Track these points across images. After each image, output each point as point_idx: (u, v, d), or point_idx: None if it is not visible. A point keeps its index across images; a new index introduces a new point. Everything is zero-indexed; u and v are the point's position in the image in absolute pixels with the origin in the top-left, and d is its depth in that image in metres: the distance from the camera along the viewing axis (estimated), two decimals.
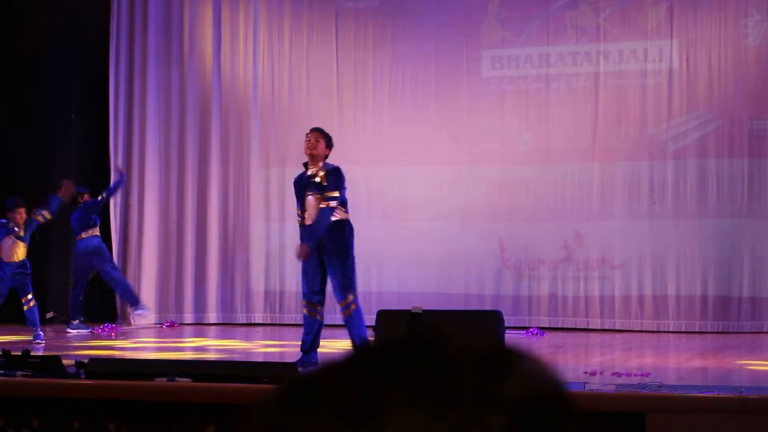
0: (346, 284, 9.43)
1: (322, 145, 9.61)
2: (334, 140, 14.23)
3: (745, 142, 13.26)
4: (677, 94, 13.57)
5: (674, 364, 9.95)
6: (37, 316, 12.12)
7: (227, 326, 14.21)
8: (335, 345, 10.06)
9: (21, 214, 12.30)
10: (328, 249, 9.39)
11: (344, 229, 9.49)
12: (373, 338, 0.90)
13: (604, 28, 13.82)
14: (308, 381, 0.84)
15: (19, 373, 6.80)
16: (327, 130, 14.36)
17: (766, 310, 13.05)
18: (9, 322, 13.21)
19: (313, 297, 9.45)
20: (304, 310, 9.56)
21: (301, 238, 9.55)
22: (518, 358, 0.84)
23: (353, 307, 9.41)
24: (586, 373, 8.32)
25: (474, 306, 13.37)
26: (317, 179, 9.45)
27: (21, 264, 12.27)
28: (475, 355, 0.84)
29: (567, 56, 13.98)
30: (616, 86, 13.76)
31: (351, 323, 9.37)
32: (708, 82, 13.46)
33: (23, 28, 14.66)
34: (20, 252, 12.26)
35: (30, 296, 12.22)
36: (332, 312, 10.79)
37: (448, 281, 13.95)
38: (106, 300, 14.56)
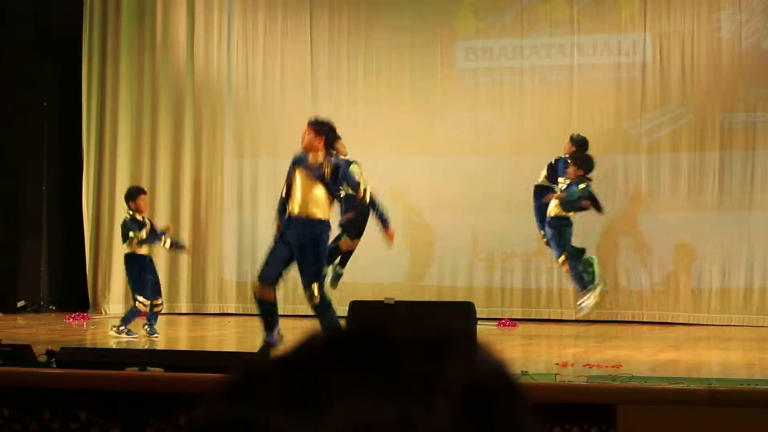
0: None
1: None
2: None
3: (717, 135, 13.33)
4: (650, 88, 13.62)
5: (645, 355, 9.99)
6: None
7: (199, 316, 14.18)
8: None
9: (145, 202, 11.61)
10: None
11: None
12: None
13: (578, 21, 13.85)
14: (254, 372, 0.84)
15: None
16: (301, 120, 14.35)
17: (735, 302, 13.13)
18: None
19: None
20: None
21: None
22: (463, 344, 0.85)
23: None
24: (557, 364, 8.34)
25: (447, 297, 13.38)
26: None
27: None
28: (420, 341, 0.84)
29: (541, 48, 14.01)
30: (590, 79, 13.80)
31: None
32: (681, 76, 13.52)
33: None
34: None
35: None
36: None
37: (421, 272, 13.97)
38: (77, 289, 14.50)
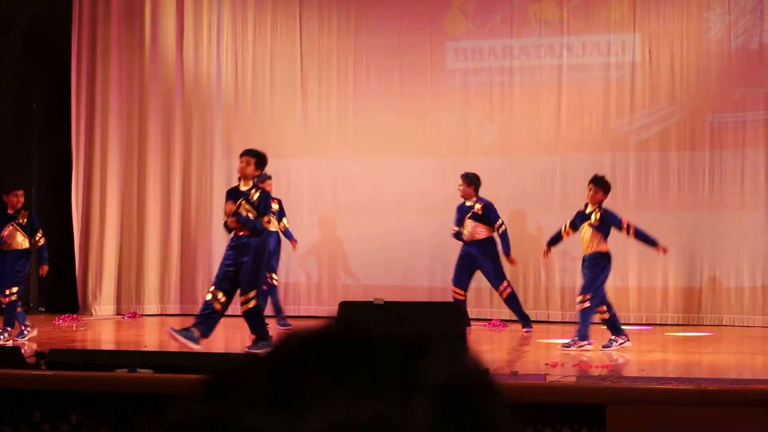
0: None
1: (252, 167, 10.27)
2: (299, 132, 14.33)
3: (707, 134, 13.35)
4: (640, 87, 13.64)
5: (635, 356, 10.01)
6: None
7: (189, 317, 14.13)
8: None
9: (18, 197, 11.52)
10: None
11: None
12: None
13: (567, 21, 13.86)
14: (232, 372, 0.85)
15: None
16: (291, 121, 14.45)
17: (725, 303, 13.14)
18: None
19: None
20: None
21: None
22: (441, 343, 0.85)
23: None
24: (547, 364, 8.35)
25: (438, 299, 13.37)
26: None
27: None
28: (397, 340, 0.85)
29: (530, 49, 14.02)
30: (579, 79, 13.82)
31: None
32: (670, 76, 13.54)
33: None
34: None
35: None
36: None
37: (413, 273, 13.96)
38: (67, 290, 14.47)
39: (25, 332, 11.19)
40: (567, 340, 10.45)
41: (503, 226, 12.43)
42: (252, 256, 9.97)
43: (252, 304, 10.00)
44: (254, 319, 10.04)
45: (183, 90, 14.79)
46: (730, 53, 13.35)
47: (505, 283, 12.40)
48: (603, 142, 13.65)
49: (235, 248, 10.08)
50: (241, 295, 10.07)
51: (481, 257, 12.38)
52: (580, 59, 13.86)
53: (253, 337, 10.05)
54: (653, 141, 13.55)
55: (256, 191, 10.14)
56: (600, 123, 13.73)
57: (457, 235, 12.52)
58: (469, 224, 12.40)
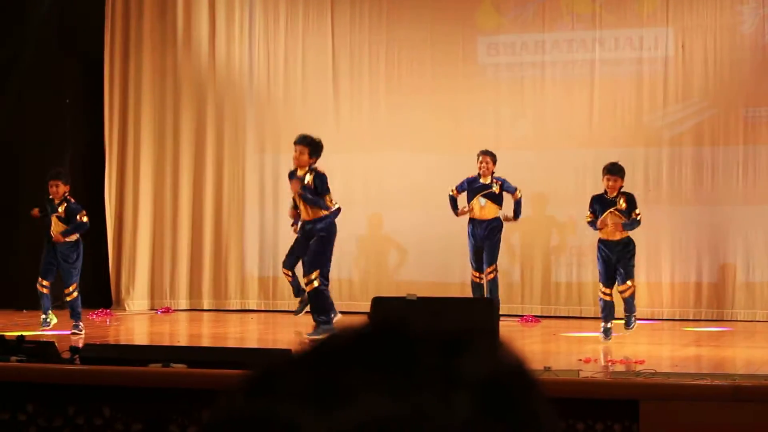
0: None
1: (305, 156, 10.26)
2: (331, 126, 14.34)
3: (741, 129, 13.28)
4: (673, 82, 13.58)
5: (668, 351, 9.96)
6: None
7: (221, 312, 14.21)
8: None
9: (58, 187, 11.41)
10: None
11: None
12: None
13: (600, 15, 13.81)
14: (274, 368, 0.86)
15: (13, 358, 6.81)
16: (323, 115, 14.46)
17: (759, 298, 13.07)
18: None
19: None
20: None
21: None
22: (481, 339, 0.86)
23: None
24: (580, 360, 8.33)
25: (470, 294, 13.34)
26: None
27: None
28: (437, 336, 0.85)
29: (563, 43, 13.98)
30: (612, 73, 13.76)
31: None
32: (704, 70, 13.47)
33: (18, 12, 14.60)
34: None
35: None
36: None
37: (445, 269, 13.93)
38: (100, 285, 14.54)
39: (48, 321, 11.32)
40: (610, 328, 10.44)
41: (520, 193, 12.52)
42: (317, 239, 10.08)
43: (315, 284, 10.06)
44: (315, 302, 10.07)
45: (215, 84, 14.82)
46: (765, 47, 13.27)
47: (493, 267, 12.43)
48: (636, 136, 13.59)
49: (303, 236, 10.24)
50: (303, 276, 10.20)
51: (487, 237, 12.42)
52: (612, 54, 13.81)
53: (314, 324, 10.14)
54: (686, 136, 13.49)
55: (309, 173, 10.18)
56: (633, 118, 13.67)
57: (453, 202, 12.58)
58: (481, 202, 12.43)
